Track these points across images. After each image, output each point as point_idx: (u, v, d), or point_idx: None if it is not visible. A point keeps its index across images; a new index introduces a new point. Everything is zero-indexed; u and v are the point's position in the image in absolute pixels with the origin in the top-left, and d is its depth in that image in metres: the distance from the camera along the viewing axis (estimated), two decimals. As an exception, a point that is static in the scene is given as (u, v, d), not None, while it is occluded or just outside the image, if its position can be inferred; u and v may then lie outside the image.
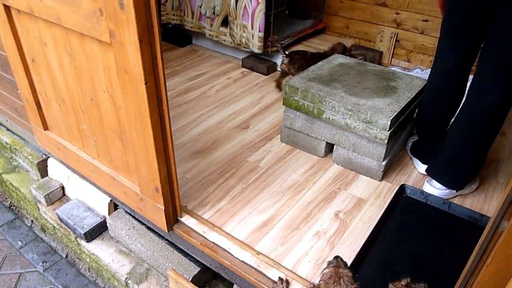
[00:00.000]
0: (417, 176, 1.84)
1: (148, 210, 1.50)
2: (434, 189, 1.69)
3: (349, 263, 1.39)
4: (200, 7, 2.79)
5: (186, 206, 1.60)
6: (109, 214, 1.82)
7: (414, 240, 1.52)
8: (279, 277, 1.30)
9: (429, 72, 1.75)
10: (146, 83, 1.13)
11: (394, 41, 2.82)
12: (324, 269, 1.15)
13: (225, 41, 2.83)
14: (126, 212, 1.77)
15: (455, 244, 1.49)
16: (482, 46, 1.52)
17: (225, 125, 2.17)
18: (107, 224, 1.81)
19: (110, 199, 1.80)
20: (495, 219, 0.77)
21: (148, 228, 1.70)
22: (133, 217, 1.75)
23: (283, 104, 1.90)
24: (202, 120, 2.21)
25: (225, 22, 2.74)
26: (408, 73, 2.24)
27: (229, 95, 2.47)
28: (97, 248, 1.82)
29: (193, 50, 3.08)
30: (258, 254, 1.41)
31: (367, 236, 1.50)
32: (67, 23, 1.23)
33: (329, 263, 1.17)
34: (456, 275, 1.28)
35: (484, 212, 1.63)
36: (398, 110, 1.65)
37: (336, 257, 1.17)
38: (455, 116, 1.67)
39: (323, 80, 1.88)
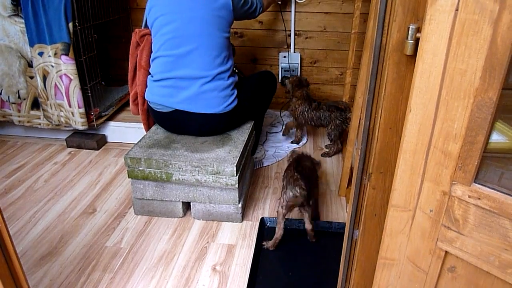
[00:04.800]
0: (270, 206, 2.03)
1: None
2: None
3: (240, 312, 1.43)
4: (0, 93, 2.48)
5: (49, 325, 1.38)
6: None
7: (290, 266, 1.65)
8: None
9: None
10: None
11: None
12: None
13: (40, 124, 2.58)
14: None
15: (320, 254, 1.70)
16: None
17: (67, 215, 1.96)
18: None
19: None
20: (348, 231, 0.93)
21: None
22: None
23: (129, 177, 1.85)
24: (38, 218, 1.94)
25: (36, 105, 2.51)
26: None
27: (62, 182, 2.25)
28: None
29: (0, 141, 2.70)
30: None
31: (247, 279, 1.57)
32: None
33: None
34: (332, 280, 1.46)
35: (330, 219, 1.92)
36: (239, 155, 1.81)
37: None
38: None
39: (162, 144, 1.91)
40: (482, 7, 0.57)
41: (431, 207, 0.72)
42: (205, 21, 1.87)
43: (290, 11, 2.72)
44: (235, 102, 1.96)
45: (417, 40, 0.69)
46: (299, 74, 2.89)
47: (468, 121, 0.63)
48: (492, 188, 0.65)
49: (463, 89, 0.62)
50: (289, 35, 2.81)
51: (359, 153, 0.84)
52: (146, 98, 2.00)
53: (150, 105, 2.00)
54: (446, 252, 0.73)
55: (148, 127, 2.19)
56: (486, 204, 0.65)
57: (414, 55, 0.70)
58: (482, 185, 0.66)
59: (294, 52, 2.85)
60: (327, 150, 2.54)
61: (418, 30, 0.69)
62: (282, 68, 2.87)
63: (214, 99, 1.89)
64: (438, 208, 0.71)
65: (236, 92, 1.98)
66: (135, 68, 2.09)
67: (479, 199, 0.66)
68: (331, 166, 2.42)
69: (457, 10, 0.59)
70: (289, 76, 2.55)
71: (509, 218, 0.63)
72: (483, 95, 0.60)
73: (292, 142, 2.62)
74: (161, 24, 1.90)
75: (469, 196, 0.67)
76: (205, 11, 1.87)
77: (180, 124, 1.97)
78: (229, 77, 1.95)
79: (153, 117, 2.07)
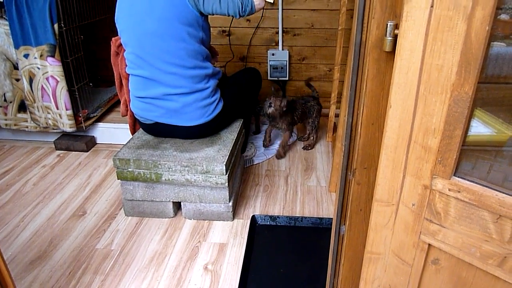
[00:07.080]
0: (261, 204, 2.03)
1: None
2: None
3: (232, 310, 1.44)
4: (-14, 98, 2.45)
5: (40, 329, 1.37)
6: None
7: (282, 263, 1.66)
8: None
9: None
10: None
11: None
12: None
13: (27, 127, 2.55)
14: None
15: (311, 250, 1.71)
16: None
17: (57, 219, 1.95)
18: None
19: None
20: (335, 227, 0.94)
21: None
22: None
23: (118, 178, 1.84)
24: (27, 222, 1.93)
25: (23, 107, 2.49)
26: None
27: (51, 185, 2.23)
28: None
29: (-12, 146, 2.67)
30: None
31: (239, 277, 1.57)
32: None
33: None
34: (323, 275, 1.47)
35: (321, 215, 1.93)
36: (228, 154, 1.81)
37: None
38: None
39: (151, 145, 1.91)
40: (456, 3, 0.57)
41: (413, 201, 0.73)
42: (157, 36, 1.69)
43: (278, 9, 2.72)
44: (219, 107, 1.92)
45: (395, 37, 0.70)
46: (283, 93, 2.94)
47: (446, 116, 0.64)
48: (471, 181, 0.66)
49: (440, 84, 0.63)
50: (277, 33, 2.81)
51: (343, 149, 0.85)
52: (131, 109, 1.99)
53: (135, 115, 2.00)
54: (429, 245, 0.74)
55: (133, 131, 2.18)
56: (465, 197, 0.66)
57: (393, 52, 0.70)
58: (461, 178, 0.67)
59: (282, 49, 2.85)
60: (308, 142, 2.58)
61: (396, 26, 0.70)
62: (271, 66, 2.87)
63: (195, 111, 1.84)
64: (420, 202, 0.72)
65: (219, 94, 1.92)
66: (120, 75, 2.06)
67: (459, 192, 0.67)
68: (321, 162, 2.43)
69: (432, 6, 0.60)
70: (270, 100, 2.30)
71: (488, 210, 0.65)
72: (459, 90, 0.61)
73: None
74: (124, 41, 1.84)
75: (449, 190, 0.68)
76: (156, 23, 1.68)
77: (165, 133, 1.96)
78: (208, 82, 1.84)
79: (139, 124, 2.06)
